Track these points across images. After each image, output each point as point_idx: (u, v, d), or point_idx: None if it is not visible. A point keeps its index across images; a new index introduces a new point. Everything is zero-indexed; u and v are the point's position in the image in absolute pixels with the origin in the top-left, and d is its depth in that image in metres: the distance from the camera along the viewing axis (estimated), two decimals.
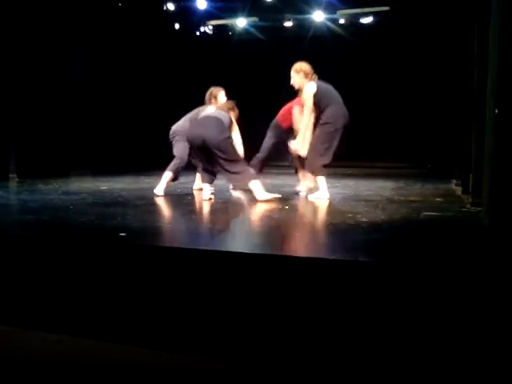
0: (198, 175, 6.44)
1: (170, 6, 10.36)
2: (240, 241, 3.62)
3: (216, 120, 5.43)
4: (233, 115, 5.74)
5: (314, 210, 5.03)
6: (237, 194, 6.12)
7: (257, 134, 12.54)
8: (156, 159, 10.27)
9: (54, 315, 3.20)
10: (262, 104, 12.62)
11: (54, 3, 8.72)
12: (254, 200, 5.25)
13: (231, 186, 6.28)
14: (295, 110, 6.19)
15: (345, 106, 5.64)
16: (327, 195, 5.42)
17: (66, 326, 3.13)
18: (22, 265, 3.35)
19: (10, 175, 8.13)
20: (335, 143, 5.44)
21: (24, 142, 8.40)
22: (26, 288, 3.29)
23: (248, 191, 5.44)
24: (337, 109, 5.52)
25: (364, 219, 4.09)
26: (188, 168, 6.26)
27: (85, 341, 3.03)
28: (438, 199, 5.52)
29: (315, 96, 5.53)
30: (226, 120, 5.49)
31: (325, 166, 5.44)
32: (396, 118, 11.57)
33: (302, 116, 5.76)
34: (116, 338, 3.01)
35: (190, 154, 6.00)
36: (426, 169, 10.41)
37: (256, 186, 5.22)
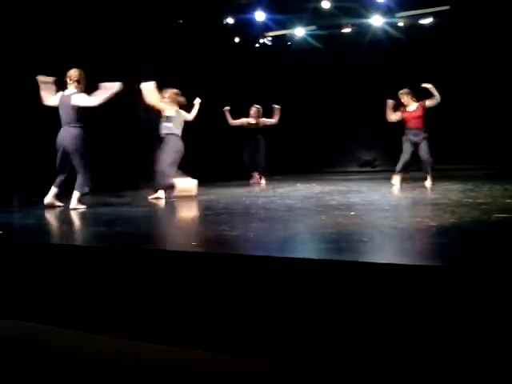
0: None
1: (230, 20, 10.60)
2: (307, 246, 3.67)
3: None
4: None
5: (380, 215, 5.00)
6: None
7: (317, 140, 12.53)
8: (224, 170, 10.49)
9: (132, 323, 3.35)
10: (320, 111, 12.66)
11: (121, 25, 9.13)
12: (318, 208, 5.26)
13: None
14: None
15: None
16: None
17: (142, 334, 3.27)
18: (98, 275, 3.53)
19: None
20: None
21: (92, 157, 8.80)
22: (104, 295, 3.47)
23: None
24: None
25: (433, 223, 4.04)
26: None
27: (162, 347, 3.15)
28: (508, 200, 5.36)
29: None
30: None
31: None
32: (461, 118, 11.30)
33: None
34: (183, 342, 3.12)
35: None
36: (494, 169, 10.10)
37: None
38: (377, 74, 11.35)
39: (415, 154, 8.10)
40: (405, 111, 8.15)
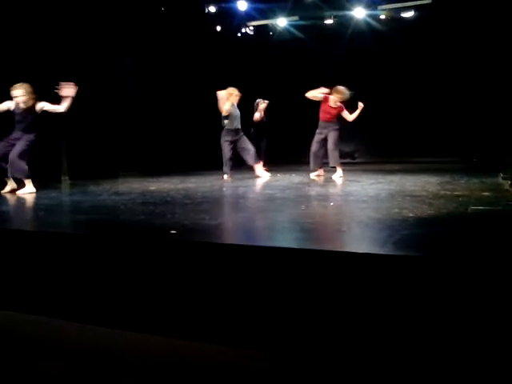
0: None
1: (212, 9, 10.53)
2: (287, 235, 3.69)
3: None
4: None
5: (359, 206, 5.04)
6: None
7: (298, 132, 12.55)
8: (201, 159, 10.46)
9: (105, 310, 3.34)
10: (301, 102, 12.65)
11: (100, 10, 9.00)
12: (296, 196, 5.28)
13: None
14: None
15: None
16: None
17: (117, 320, 3.26)
18: (76, 263, 3.50)
19: (62, 177, 8.44)
20: None
21: (74, 145, 8.70)
22: (81, 284, 3.45)
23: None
24: None
25: (411, 214, 4.09)
26: None
27: (140, 334, 3.15)
28: (485, 193, 5.44)
29: None
30: None
31: None
32: (440, 112, 11.40)
33: None
34: (168, 331, 3.12)
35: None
36: (471, 163, 10.23)
37: None
38: (358, 65, 11.38)
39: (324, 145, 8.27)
40: (327, 101, 8.17)
